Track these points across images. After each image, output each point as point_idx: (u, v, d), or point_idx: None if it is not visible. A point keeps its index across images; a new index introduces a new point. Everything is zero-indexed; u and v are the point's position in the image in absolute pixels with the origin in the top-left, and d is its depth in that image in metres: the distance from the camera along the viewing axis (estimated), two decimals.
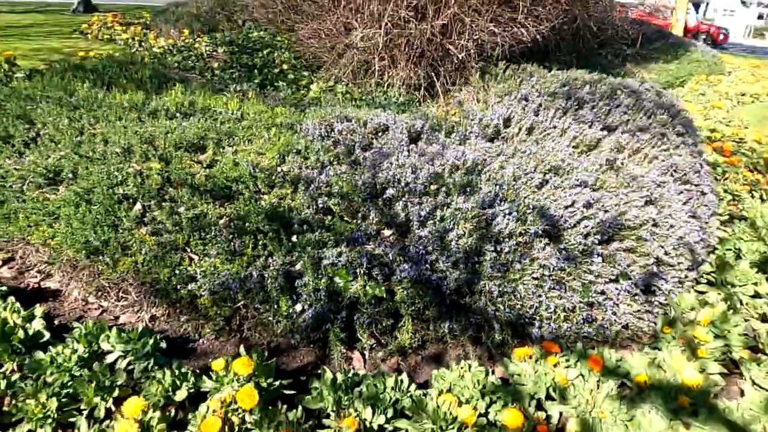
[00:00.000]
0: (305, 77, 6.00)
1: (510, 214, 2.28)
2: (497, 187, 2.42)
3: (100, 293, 2.29)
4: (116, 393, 1.75)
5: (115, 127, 2.87)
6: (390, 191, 2.34)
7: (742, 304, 2.50)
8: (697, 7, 54.88)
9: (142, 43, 7.20)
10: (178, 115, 3.17)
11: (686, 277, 2.56)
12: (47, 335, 1.96)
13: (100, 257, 2.17)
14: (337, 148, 2.79)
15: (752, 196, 3.87)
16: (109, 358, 1.88)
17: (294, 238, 2.20)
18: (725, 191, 3.85)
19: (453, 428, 1.66)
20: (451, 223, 2.24)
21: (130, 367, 1.86)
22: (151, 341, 1.96)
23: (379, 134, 3.11)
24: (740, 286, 2.61)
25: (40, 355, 1.85)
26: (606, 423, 1.76)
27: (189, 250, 2.18)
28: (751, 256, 2.87)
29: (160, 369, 1.85)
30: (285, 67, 6.16)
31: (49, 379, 1.75)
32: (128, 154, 2.60)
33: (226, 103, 3.78)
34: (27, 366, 1.80)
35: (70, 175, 2.52)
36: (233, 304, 2.09)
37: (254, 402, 1.66)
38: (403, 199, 2.33)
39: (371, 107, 4.56)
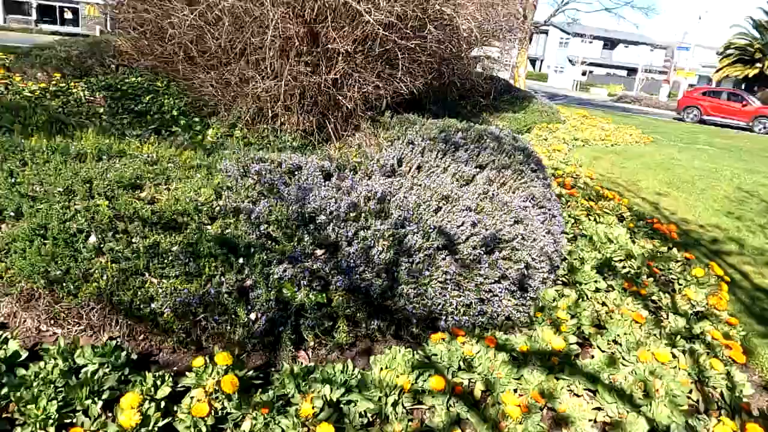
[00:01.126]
0: (197, 123, 6.27)
1: (417, 233, 2.86)
2: (405, 212, 2.99)
3: (53, 321, 2.47)
4: (105, 395, 2.01)
5: (46, 169, 3.04)
6: (321, 217, 2.81)
7: (587, 296, 3.29)
8: (533, 63, 62.13)
9: (9, 87, 6.97)
10: (104, 157, 3.38)
11: (548, 277, 3.31)
12: (24, 354, 2.14)
13: (62, 285, 2.38)
14: (263, 186, 3.21)
15: (588, 219, 4.86)
16: (88, 370, 2.12)
17: (241, 260, 2.58)
18: (569, 216, 4.80)
19: (394, 393, 2.15)
20: (372, 241, 2.76)
21: (107, 377, 2.11)
22: (123, 354, 2.22)
23: (294, 173, 3.57)
24: (585, 283, 3.41)
25: (22, 371, 2.05)
26: (502, 381, 2.35)
27: (149, 274, 2.46)
28: (592, 262, 3.73)
29: (138, 375, 2.13)
30: (175, 113, 6.38)
31: (35, 392, 1.96)
32: (70, 194, 2.81)
33: (139, 147, 4.02)
34: (8, 383, 1.98)
35: (12, 214, 2.67)
36: (194, 318, 2.41)
37: (235, 387, 2.02)
38: (331, 224, 2.82)
39: (269, 151, 4.99)
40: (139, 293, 2.38)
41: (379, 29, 4.71)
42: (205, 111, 6.34)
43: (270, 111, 5.53)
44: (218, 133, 5.96)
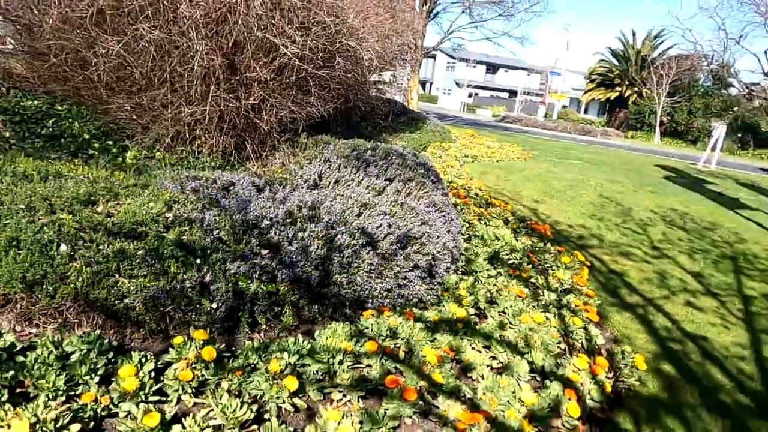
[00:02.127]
0: (112, 146, 6.45)
1: (345, 233, 3.46)
2: (333, 216, 3.59)
3: (27, 322, 2.78)
4: (101, 372, 2.40)
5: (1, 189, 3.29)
6: (265, 222, 3.33)
7: (482, 280, 4.05)
8: (423, 86, 65.08)
9: None
10: (50, 177, 3.66)
11: (450, 267, 4.03)
12: (20, 345, 2.46)
13: (42, 287, 2.71)
14: (205, 199, 3.66)
15: (480, 223, 5.71)
16: (75, 357, 2.49)
17: (198, 260, 3.03)
18: (464, 220, 5.62)
19: (339, 355, 2.72)
20: (309, 241, 3.32)
21: (99, 358, 2.49)
22: (106, 341, 2.61)
23: (229, 188, 4.04)
24: (479, 271, 4.17)
25: (21, 358, 2.38)
26: (420, 342, 2.99)
27: (119, 275, 2.85)
28: (484, 255, 4.52)
29: (122, 356, 2.53)
30: (87, 136, 6.51)
31: (42, 371, 2.31)
32: (33, 210, 3.10)
33: (73, 168, 4.28)
34: (14, 368, 2.32)
35: None
36: (163, 310, 2.83)
37: (213, 356, 2.50)
38: (273, 228, 3.34)
39: (191, 170, 5.37)
40: (113, 291, 2.76)
41: (294, 60, 5.30)
42: (120, 135, 6.54)
43: (189, 134, 5.90)
44: (137, 156, 6.20)
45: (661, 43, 43.41)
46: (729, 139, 33.78)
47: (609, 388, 3.07)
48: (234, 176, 4.18)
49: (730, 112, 37.71)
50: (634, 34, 45.12)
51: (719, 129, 20.45)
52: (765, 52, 36.81)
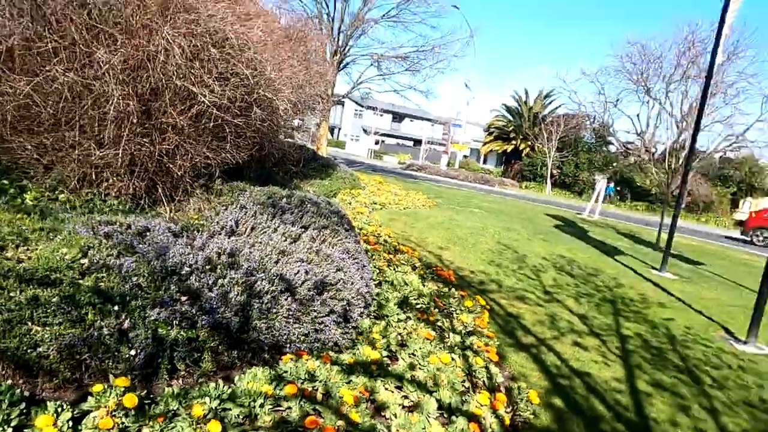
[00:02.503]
0: (7, 185, 6.14)
1: (264, 279, 3.59)
2: (252, 263, 3.71)
3: None
4: (15, 423, 2.35)
5: None
6: (185, 269, 3.40)
7: (393, 324, 4.30)
8: (331, 131, 66.10)
9: None
10: None
11: (363, 312, 4.25)
12: None
13: None
14: (121, 245, 3.66)
15: (390, 269, 6.01)
16: None
17: (116, 307, 3.04)
18: (375, 266, 5.89)
19: (260, 398, 2.82)
20: (229, 287, 3.42)
21: (12, 408, 2.43)
22: (18, 391, 2.55)
23: (144, 234, 4.05)
24: (391, 316, 4.43)
25: None
26: (338, 385, 3.16)
27: (32, 323, 2.80)
28: (394, 300, 4.79)
29: (37, 407, 2.49)
30: None
31: None
32: None
33: None
34: None
35: None
36: (79, 358, 2.80)
37: (135, 403, 2.52)
38: (193, 275, 3.41)
39: (99, 214, 5.25)
40: (25, 339, 2.70)
41: (212, 109, 5.43)
42: (18, 174, 6.24)
43: (96, 176, 5.77)
44: (38, 197, 5.94)
45: (550, 103, 47.42)
46: (609, 192, 37.17)
47: (508, 421, 3.38)
48: (149, 222, 4.19)
49: (611, 167, 41.60)
50: (527, 93, 49.00)
51: (601, 182, 22.56)
52: (637, 115, 41.05)
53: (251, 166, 7.80)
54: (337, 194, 11.32)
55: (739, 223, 26.68)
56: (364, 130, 64.52)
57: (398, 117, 68.82)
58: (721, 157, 37.72)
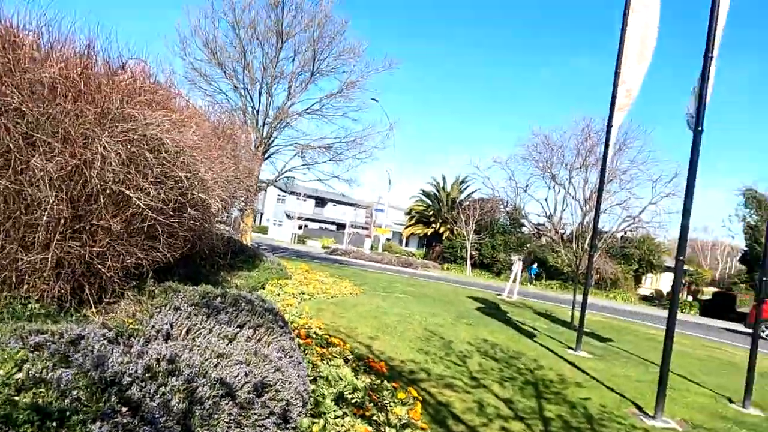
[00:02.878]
0: None
1: (206, 385, 3.67)
2: (193, 369, 3.78)
3: None
4: None
5: None
6: (126, 378, 3.42)
7: (330, 421, 4.41)
8: (254, 217, 65.65)
9: None
10: None
11: (302, 411, 4.34)
12: None
13: None
14: (57, 356, 3.63)
15: (323, 363, 6.12)
16: None
17: (55, 423, 3.02)
18: (308, 361, 5.99)
19: None
20: (171, 395, 3.47)
21: None
22: None
23: (79, 342, 4.02)
24: (328, 413, 4.54)
25: None
26: None
27: None
28: (330, 396, 4.91)
29: None
30: None
31: None
32: None
33: None
34: None
35: None
36: None
37: None
38: (134, 384, 3.44)
39: (20, 319, 5.10)
40: None
41: (147, 211, 5.54)
42: None
43: (17, 278, 5.63)
44: None
45: (466, 188, 50.10)
46: (526, 272, 39.02)
47: None
48: (82, 329, 4.16)
49: (525, 248, 43.89)
50: (444, 179, 51.58)
51: (517, 264, 23.78)
52: (545, 199, 44.11)
53: (179, 263, 7.80)
54: (265, 285, 11.34)
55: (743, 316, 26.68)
56: (287, 215, 64.68)
57: (321, 202, 69.75)
58: (622, 236, 40.90)
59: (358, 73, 22.81)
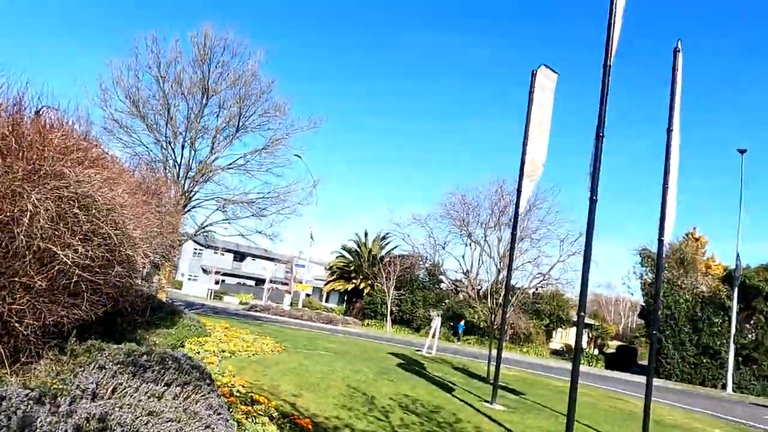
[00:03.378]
0: None
1: None
2: (125, 427, 3.82)
3: None
4: None
5: None
6: None
7: None
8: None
9: None
10: None
11: None
12: None
13: None
14: None
15: (248, 421, 6.15)
16: None
17: None
18: (234, 420, 6.01)
19: None
20: None
21: None
22: None
23: (0, 404, 3.94)
24: None
25: None
26: None
27: None
28: None
29: None
30: None
31: None
32: None
33: None
34: None
35: None
36: None
37: None
38: None
39: None
40: None
41: (74, 268, 5.52)
42: None
43: None
44: None
45: (387, 244, 50.93)
46: (444, 328, 39.82)
47: None
48: (3, 390, 4.08)
49: (443, 304, 44.90)
50: (366, 235, 52.26)
51: (436, 320, 24.39)
52: (462, 256, 45.73)
53: (97, 321, 7.60)
54: (185, 343, 11.08)
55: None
56: (203, 269, 62.62)
57: (240, 256, 68.20)
58: (533, 293, 42.90)
59: (283, 130, 23.26)
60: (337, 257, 53.34)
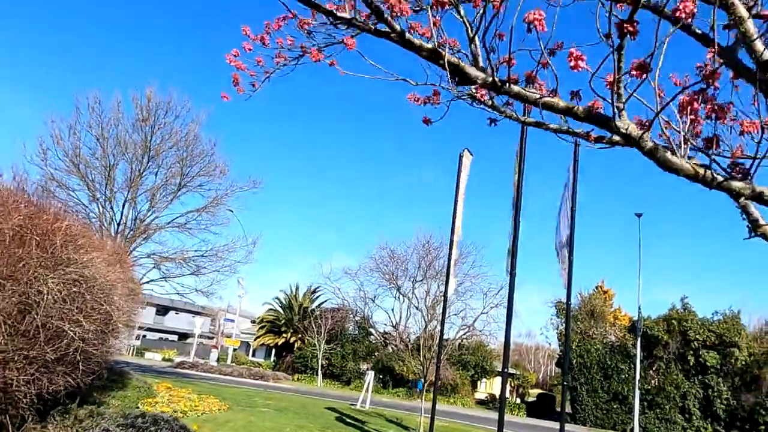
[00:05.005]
0: None
1: None
2: None
3: None
4: None
5: None
6: None
7: None
8: None
9: None
10: None
11: None
12: None
13: None
14: None
15: None
16: None
17: None
18: None
19: None
20: None
21: None
22: None
23: None
24: None
25: None
26: None
27: None
28: None
29: None
30: None
31: None
32: None
33: None
34: None
35: None
36: None
37: None
38: None
39: None
40: None
41: (79, 342, 6.33)
42: None
43: None
44: None
45: (318, 297, 51.38)
46: (375, 381, 40.50)
47: None
48: None
49: (373, 357, 45.63)
50: (297, 288, 52.48)
51: (369, 374, 25.31)
52: (392, 309, 46.88)
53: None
54: (138, 404, 11.52)
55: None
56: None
57: (162, 310, 65.98)
58: (459, 344, 44.65)
59: (222, 190, 24.06)
60: (266, 311, 53.04)
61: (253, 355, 57.44)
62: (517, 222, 9.45)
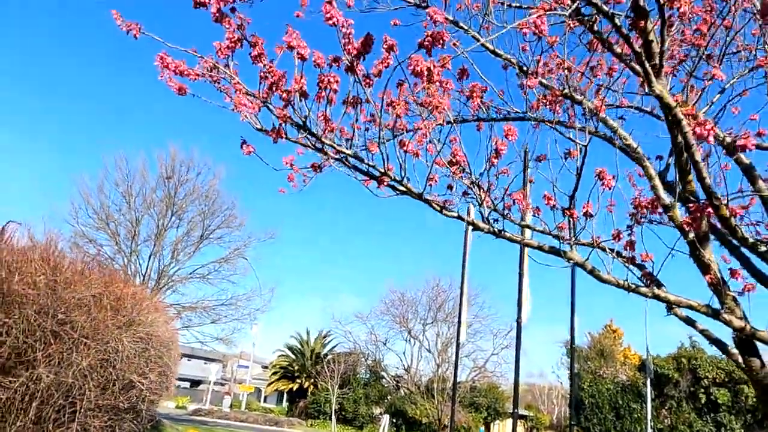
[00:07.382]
0: None
1: None
2: None
3: None
4: None
5: None
6: None
7: None
8: None
9: None
10: None
11: None
12: None
13: None
14: None
15: None
16: None
17: None
18: None
19: None
20: None
21: None
22: None
23: None
24: None
25: None
26: None
27: None
28: None
29: None
30: None
31: None
32: None
33: None
34: None
35: None
36: None
37: None
38: None
39: None
40: None
41: (146, 392, 7.36)
42: None
43: None
44: None
45: (329, 342, 51.91)
46: (390, 425, 40.68)
47: None
48: None
49: (385, 400, 45.84)
50: (308, 333, 53.08)
51: (384, 418, 25.88)
52: (403, 352, 47.31)
53: None
54: None
55: None
56: None
57: None
58: (471, 387, 44.87)
59: (241, 242, 25.29)
60: (279, 356, 53.49)
61: (265, 401, 57.51)
62: (521, 276, 10.50)
